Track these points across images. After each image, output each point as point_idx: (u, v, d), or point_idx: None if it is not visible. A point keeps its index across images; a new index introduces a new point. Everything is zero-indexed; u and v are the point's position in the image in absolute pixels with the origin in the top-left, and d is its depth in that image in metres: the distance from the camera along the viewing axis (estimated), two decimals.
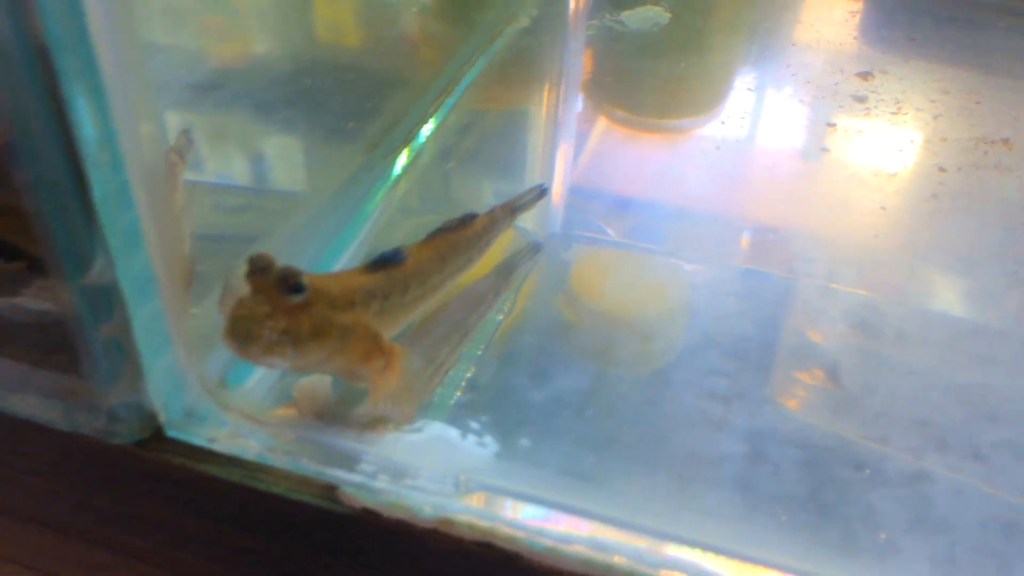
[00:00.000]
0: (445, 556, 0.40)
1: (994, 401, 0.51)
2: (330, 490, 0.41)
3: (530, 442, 0.47)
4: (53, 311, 0.44)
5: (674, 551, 0.39)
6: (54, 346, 0.46)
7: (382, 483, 0.41)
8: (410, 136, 0.72)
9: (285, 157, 0.72)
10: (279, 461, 0.42)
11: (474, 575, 0.41)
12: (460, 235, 0.52)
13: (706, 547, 0.39)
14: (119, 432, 0.43)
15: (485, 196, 0.71)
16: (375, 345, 0.43)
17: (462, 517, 0.40)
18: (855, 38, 0.95)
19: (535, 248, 0.61)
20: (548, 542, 0.39)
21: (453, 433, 0.46)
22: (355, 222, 0.63)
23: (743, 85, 0.85)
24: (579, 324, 0.56)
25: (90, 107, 0.33)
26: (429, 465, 0.42)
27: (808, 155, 0.76)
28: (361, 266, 0.46)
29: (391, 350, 0.44)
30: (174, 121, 0.66)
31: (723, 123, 0.78)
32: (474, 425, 0.47)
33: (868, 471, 0.47)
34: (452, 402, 0.49)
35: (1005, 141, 0.76)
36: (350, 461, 0.42)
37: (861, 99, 0.82)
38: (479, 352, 0.53)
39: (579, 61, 0.90)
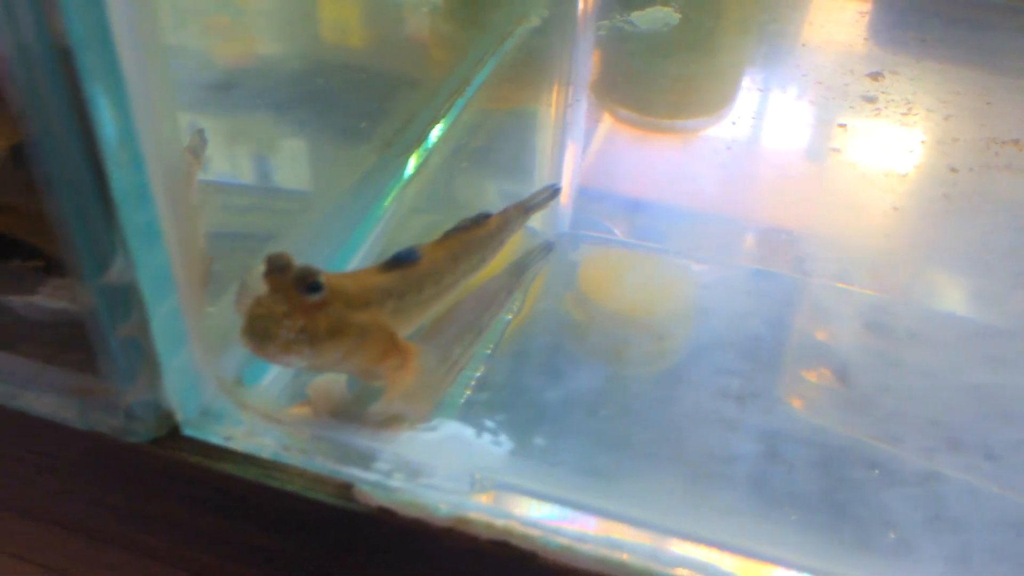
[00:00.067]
0: (461, 555, 0.40)
1: (1007, 401, 0.51)
2: (346, 488, 0.41)
3: (545, 441, 0.47)
4: (70, 309, 0.44)
5: (688, 549, 0.39)
6: (71, 344, 0.46)
7: (397, 481, 0.41)
8: (422, 136, 0.72)
9: (298, 157, 0.73)
10: (295, 459, 0.42)
11: (490, 574, 0.41)
12: (474, 235, 0.52)
13: (720, 546, 0.39)
14: (135, 430, 0.43)
15: (494, 196, 0.71)
16: (391, 344, 0.43)
17: (478, 516, 0.40)
18: (865, 39, 0.94)
19: (547, 247, 0.61)
20: (563, 540, 0.39)
21: (468, 432, 0.46)
22: (368, 221, 0.63)
23: (753, 86, 0.85)
24: (589, 323, 0.56)
25: (111, 107, 0.34)
26: (444, 463, 0.42)
27: (819, 156, 0.75)
28: (376, 265, 0.46)
29: (407, 348, 0.44)
30: (186, 121, 0.66)
31: (734, 124, 0.78)
32: (489, 424, 0.47)
33: (881, 471, 0.47)
34: (462, 401, 0.49)
35: (1016, 142, 0.76)
36: (365, 459, 0.42)
37: (871, 100, 0.82)
38: (488, 351, 0.53)
39: (589, 61, 0.90)
